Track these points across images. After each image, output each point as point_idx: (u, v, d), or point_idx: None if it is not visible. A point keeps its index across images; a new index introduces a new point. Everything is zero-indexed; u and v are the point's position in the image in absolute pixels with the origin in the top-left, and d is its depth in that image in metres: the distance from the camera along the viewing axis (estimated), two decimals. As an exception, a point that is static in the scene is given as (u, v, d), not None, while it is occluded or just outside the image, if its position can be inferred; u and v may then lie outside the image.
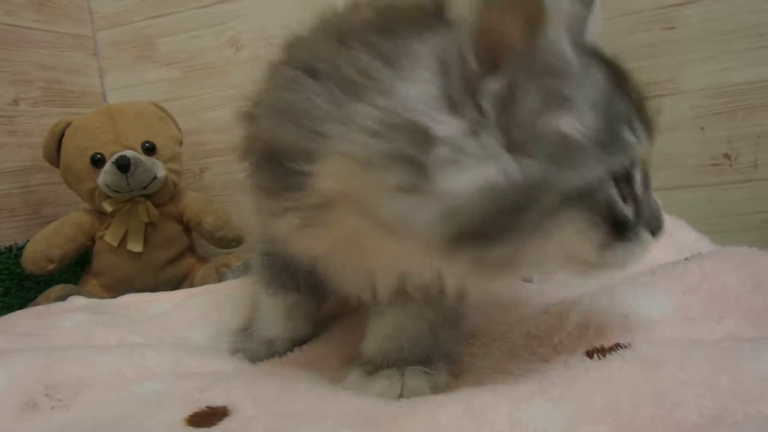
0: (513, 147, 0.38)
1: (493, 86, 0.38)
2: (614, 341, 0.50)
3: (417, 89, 0.38)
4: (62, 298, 0.99)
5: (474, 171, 0.37)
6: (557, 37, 0.39)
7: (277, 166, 0.45)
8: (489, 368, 0.56)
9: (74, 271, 1.16)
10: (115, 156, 1.03)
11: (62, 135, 1.08)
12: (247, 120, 0.54)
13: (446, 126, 0.38)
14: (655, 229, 0.45)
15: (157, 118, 1.13)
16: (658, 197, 0.48)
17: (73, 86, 1.28)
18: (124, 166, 1.01)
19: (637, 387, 0.40)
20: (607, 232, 0.41)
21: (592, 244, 0.42)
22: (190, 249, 1.18)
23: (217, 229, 1.13)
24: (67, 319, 0.78)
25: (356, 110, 0.39)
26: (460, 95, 0.38)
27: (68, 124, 1.09)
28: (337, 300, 0.76)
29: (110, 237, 1.07)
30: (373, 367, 0.56)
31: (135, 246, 1.07)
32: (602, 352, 0.48)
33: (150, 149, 1.08)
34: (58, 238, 1.07)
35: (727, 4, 1.01)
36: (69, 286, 1.06)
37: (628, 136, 0.41)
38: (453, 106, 0.38)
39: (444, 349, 0.57)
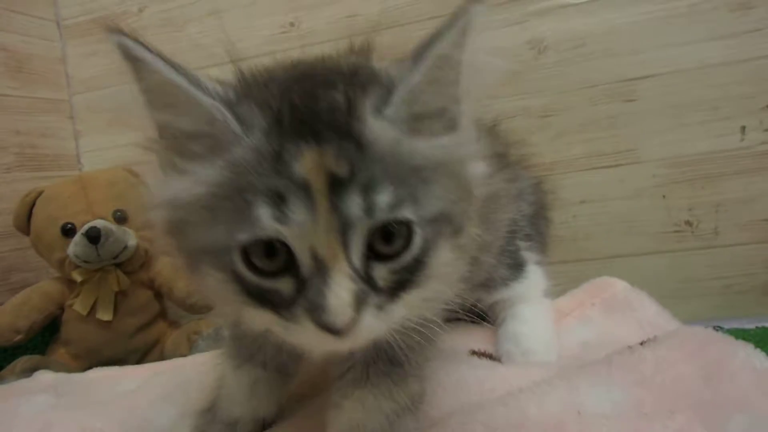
0: None
1: None
2: (567, 441, 0.51)
3: None
4: (28, 371, 0.97)
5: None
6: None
7: None
8: (448, 462, 0.56)
9: (42, 337, 1.15)
10: (86, 227, 1.03)
11: (33, 204, 1.08)
12: None
13: None
14: (317, 319, 0.40)
15: (130, 186, 1.13)
16: (343, 290, 0.40)
17: (47, 150, 1.29)
18: (94, 237, 1.01)
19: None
20: (243, 294, 0.42)
21: (235, 300, 0.43)
22: (162, 314, 1.17)
23: (188, 296, 1.12)
24: (29, 404, 0.77)
25: None
26: None
27: (40, 194, 1.09)
28: (304, 376, 0.76)
29: (79, 306, 1.06)
30: None
31: (105, 315, 1.06)
32: (554, 455, 0.48)
33: (122, 218, 1.08)
34: (25, 308, 1.06)
35: (683, 79, 1.06)
36: (35, 358, 1.04)
37: (259, 213, 0.39)
38: None
39: None
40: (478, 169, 0.47)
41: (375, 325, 0.42)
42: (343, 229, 0.40)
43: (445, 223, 0.43)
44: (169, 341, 1.12)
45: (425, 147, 0.43)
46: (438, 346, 0.68)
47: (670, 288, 1.05)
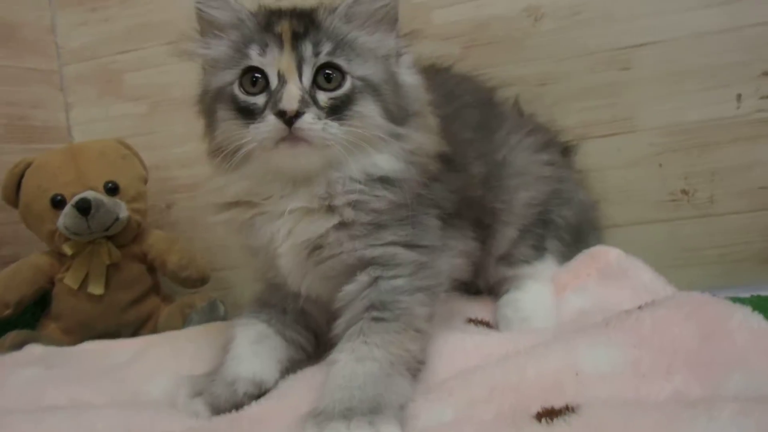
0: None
1: None
2: (564, 401, 0.51)
3: None
4: (18, 345, 0.96)
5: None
6: None
7: None
8: (445, 425, 0.56)
9: (33, 312, 1.13)
10: (76, 198, 1.01)
11: (22, 175, 1.06)
12: None
13: None
14: (275, 108, 0.63)
15: (121, 157, 1.11)
16: (293, 89, 0.64)
17: (37, 122, 1.26)
18: (84, 209, 1.00)
19: (581, 458, 0.41)
20: (239, 117, 0.67)
21: (235, 125, 0.67)
22: (155, 289, 1.16)
23: (181, 269, 1.11)
24: (18, 375, 0.76)
25: None
26: None
27: (29, 165, 1.07)
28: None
29: (70, 279, 1.05)
30: (325, 419, 0.55)
31: (96, 288, 1.05)
32: (551, 415, 0.48)
33: (113, 189, 1.06)
34: (15, 281, 1.04)
35: (680, 47, 1.04)
36: (25, 332, 1.02)
37: (249, 52, 0.67)
38: None
39: (397, 400, 0.57)
40: (405, 66, 0.72)
41: (315, 126, 0.63)
42: (299, 63, 0.66)
43: (370, 87, 0.68)
44: (162, 315, 1.11)
45: (363, 35, 0.70)
46: (438, 308, 0.69)
47: (667, 257, 1.04)
